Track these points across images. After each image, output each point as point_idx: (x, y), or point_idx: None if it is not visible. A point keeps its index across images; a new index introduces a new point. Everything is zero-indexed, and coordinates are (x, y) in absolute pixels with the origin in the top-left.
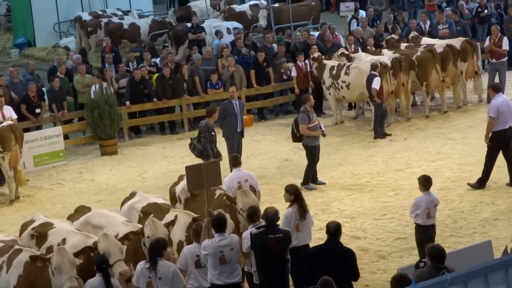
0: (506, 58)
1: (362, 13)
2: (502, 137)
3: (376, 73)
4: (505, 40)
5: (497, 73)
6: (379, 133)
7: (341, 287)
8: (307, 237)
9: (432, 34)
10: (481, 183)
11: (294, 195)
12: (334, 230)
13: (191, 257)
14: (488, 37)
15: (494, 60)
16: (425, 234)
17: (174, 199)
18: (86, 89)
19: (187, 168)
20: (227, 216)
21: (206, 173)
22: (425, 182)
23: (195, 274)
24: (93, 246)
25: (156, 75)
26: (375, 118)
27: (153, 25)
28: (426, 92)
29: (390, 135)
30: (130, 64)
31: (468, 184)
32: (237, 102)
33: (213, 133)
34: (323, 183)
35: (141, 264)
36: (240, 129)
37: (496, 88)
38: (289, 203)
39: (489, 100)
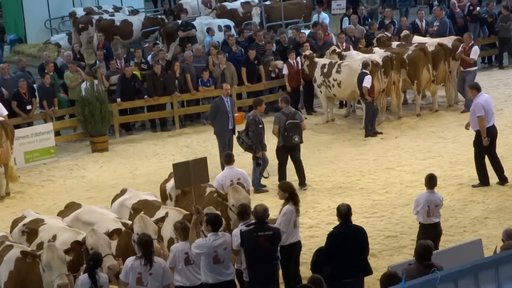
0: (475, 68)
1: (325, 16)
2: (490, 135)
3: (367, 72)
4: (475, 50)
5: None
6: (370, 131)
7: (360, 263)
8: (299, 233)
9: (427, 31)
10: (484, 182)
11: (288, 192)
12: (345, 212)
13: (180, 255)
14: (461, 44)
15: (462, 68)
16: (426, 233)
17: (164, 196)
18: (75, 83)
19: (174, 165)
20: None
21: (194, 171)
22: (428, 181)
23: (184, 271)
24: (82, 241)
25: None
26: (366, 116)
27: (146, 22)
28: (417, 90)
29: (381, 133)
30: (118, 61)
31: (473, 186)
32: (228, 99)
33: (260, 126)
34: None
35: (131, 260)
36: (231, 126)
37: (478, 88)
38: (283, 201)
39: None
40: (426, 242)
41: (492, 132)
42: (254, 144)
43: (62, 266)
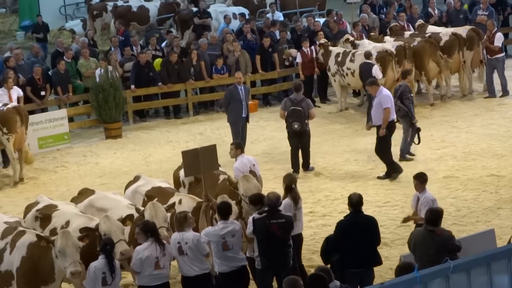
0: (502, 54)
1: (279, 15)
2: (391, 128)
3: (372, 62)
4: (498, 36)
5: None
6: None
7: (370, 252)
8: (300, 226)
9: (469, 18)
10: (389, 175)
11: (286, 185)
12: (357, 201)
13: (173, 243)
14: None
15: (488, 56)
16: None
17: (178, 183)
18: (90, 72)
19: (183, 153)
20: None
21: (203, 158)
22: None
23: (178, 260)
24: (95, 227)
25: (158, 59)
26: (369, 106)
27: (161, 8)
28: (427, 80)
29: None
30: (134, 48)
31: (378, 177)
32: (242, 87)
33: (411, 95)
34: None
35: (143, 249)
36: (245, 114)
37: (377, 83)
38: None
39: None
40: (436, 208)
41: (392, 125)
42: (410, 111)
43: (76, 253)
